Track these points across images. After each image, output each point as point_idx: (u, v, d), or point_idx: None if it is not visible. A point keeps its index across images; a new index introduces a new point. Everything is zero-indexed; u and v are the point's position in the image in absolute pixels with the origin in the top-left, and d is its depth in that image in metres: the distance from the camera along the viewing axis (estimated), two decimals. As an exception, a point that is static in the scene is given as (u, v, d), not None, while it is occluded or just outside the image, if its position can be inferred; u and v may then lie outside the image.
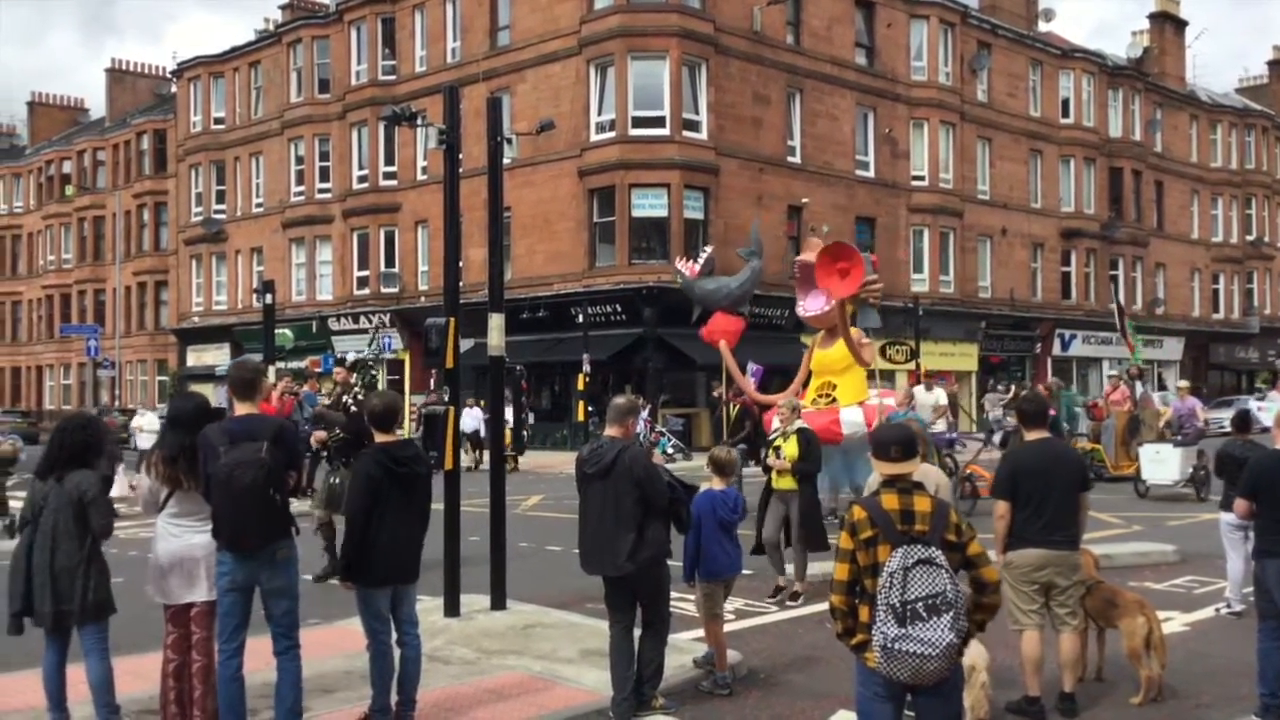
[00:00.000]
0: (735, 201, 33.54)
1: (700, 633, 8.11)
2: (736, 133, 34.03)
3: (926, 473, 6.87)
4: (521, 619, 9.43)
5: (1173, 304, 51.73)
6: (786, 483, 10.37)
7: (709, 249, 17.68)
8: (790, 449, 10.38)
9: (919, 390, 18.98)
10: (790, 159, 35.89)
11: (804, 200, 35.82)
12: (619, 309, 31.77)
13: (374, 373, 12.11)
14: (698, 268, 16.82)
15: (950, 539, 4.60)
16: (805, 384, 16.10)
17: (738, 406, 19.39)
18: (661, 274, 31.46)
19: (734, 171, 33.79)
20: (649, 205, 32.43)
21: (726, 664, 7.72)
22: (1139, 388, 22.47)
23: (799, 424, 10.56)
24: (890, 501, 4.64)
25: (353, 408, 11.86)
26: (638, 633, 7.03)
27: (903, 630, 4.34)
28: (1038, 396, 8.23)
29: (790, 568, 10.71)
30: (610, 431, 7.00)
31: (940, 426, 18.77)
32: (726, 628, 8.11)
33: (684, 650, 8.07)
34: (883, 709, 4.61)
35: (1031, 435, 7.24)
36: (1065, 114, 45.96)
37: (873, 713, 4.66)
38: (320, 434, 12.39)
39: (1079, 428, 22.04)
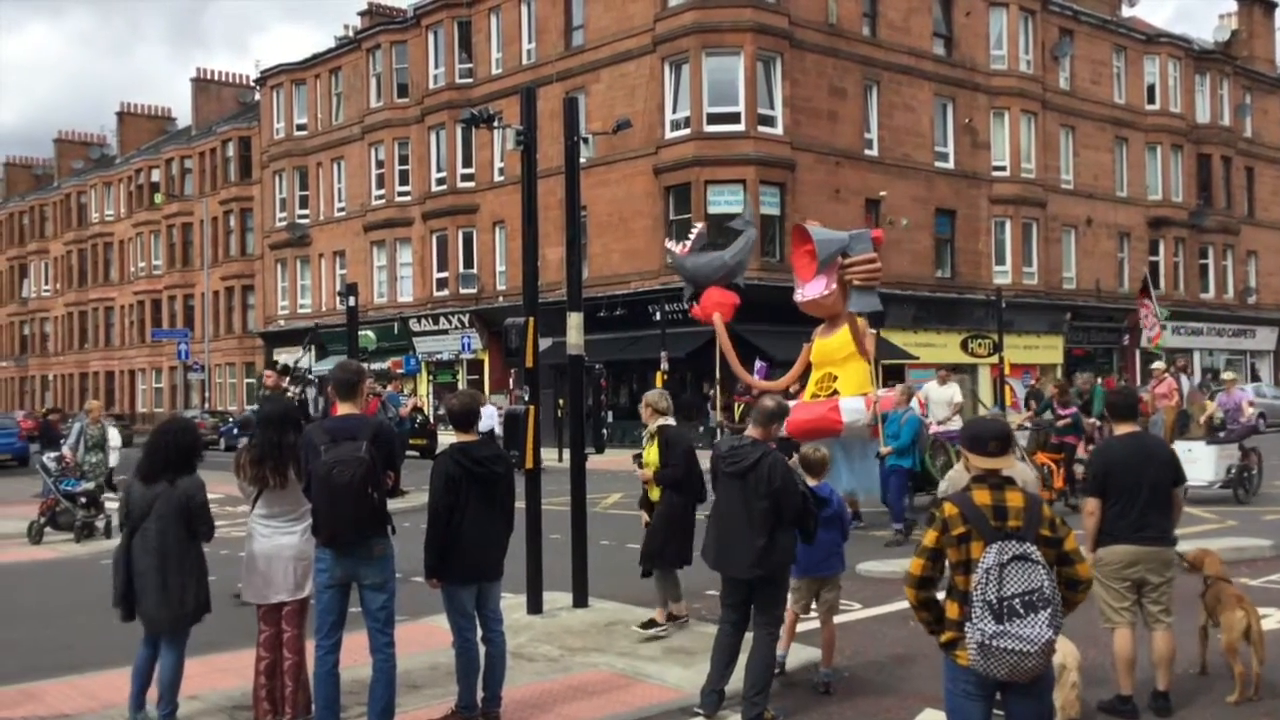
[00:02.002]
0: (812, 196, 33.31)
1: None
2: (812, 127, 33.80)
3: (1014, 469, 6.76)
4: (603, 616, 9.47)
5: (1265, 293, 50.31)
6: (656, 494, 8.84)
7: (699, 226, 16.46)
8: (650, 454, 8.88)
9: (932, 385, 17.90)
10: (867, 152, 35.57)
11: (882, 193, 35.57)
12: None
13: (310, 379, 10.95)
14: (689, 246, 15.60)
15: (1045, 534, 4.55)
16: (805, 376, 15.16)
17: (742, 405, 18.13)
18: (739, 270, 31.35)
19: (810, 166, 33.57)
20: (725, 202, 32.34)
21: (788, 646, 7.75)
22: (1185, 381, 21.02)
23: (661, 421, 8.87)
24: (982, 497, 4.60)
25: None
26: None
27: (1001, 627, 4.30)
28: (1128, 390, 8.05)
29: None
30: (752, 432, 6.97)
31: (957, 423, 17.41)
32: (805, 626, 8.11)
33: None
34: (973, 707, 4.57)
35: (1122, 429, 7.09)
36: (1151, 100, 44.95)
37: (963, 710, 4.61)
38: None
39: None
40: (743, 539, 6.65)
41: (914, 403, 15.13)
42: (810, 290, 14.32)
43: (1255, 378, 47.29)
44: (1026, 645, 4.28)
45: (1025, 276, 39.78)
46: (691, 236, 15.72)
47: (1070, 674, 6.34)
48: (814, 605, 7.79)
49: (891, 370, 35.86)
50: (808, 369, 15.09)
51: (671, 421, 8.94)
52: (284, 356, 13.68)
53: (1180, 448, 17.51)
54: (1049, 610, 4.32)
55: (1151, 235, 44.99)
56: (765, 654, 6.76)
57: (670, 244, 16.28)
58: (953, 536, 4.57)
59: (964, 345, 37.73)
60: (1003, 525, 4.50)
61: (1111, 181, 43.67)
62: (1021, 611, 4.29)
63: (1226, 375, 20.43)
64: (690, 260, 15.41)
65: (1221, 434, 17.70)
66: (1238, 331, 48.50)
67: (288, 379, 11.36)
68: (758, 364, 20.30)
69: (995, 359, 33.50)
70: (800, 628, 8.05)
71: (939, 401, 17.36)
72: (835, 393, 14.02)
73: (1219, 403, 18.43)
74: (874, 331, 14.61)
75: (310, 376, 11.61)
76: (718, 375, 17.52)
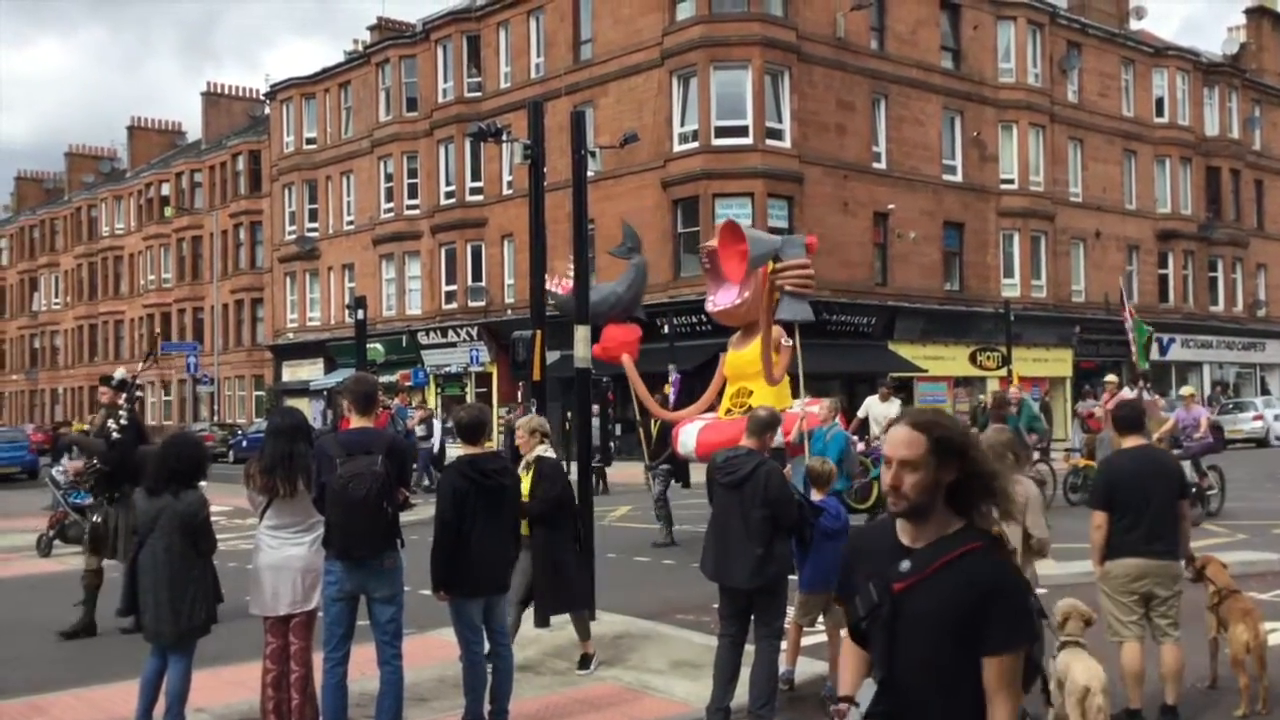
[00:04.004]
0: (820, 209, 33.33)
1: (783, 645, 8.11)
2: (820, 140, 33.83)
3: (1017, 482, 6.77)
4: (611, 629, 9.45)
5: (1275, 306, 50.12)
6: (526, 529, 7.93)
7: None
8: (525, 485, 7.87)
9: (872, 401, 17.35)
10: (875, 165, 35.57)
11: (890, 206, 35.56)
12: (704, 319, 31.61)
13: (139, 393, 10.04)
14: (569, 282, 13.78)
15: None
16: (721, 393, 14.19)
17: (658, 424, 16.72)
18: (747, 283, 31.35)
19: (818, 179, 33.59)
20: (733, 215, 32.19)
21: (795, 660, 7.78)
22: (1145, 395, 20.14)
23: (539, 450, 8.00)
24: None
25: (115, 434, 10.13)
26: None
27: None
28: (1134, 403, 8.05)
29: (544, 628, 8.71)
30: (746, 442, 7.01)
31: None
32: (812, 640, 8.10)
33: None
34: None
35: (1128, 442, 7.08)
36: (1159, 113, 44.90)
37: None
38: (76, 464, 10.66)
39: (1043, 437, 19.65)
40: (740, 549, 6.67)
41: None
42: (722, 299, 13.46)
43: (1265, 391, 47.13)
44: None
45: (1034, 289, 39.72)
46: (571, 270, 13.98)
47: (1095, 697, 6.19)
48: (822, 619, 7.80)
49: (901, 384, 35.83)
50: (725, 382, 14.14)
51: (550, 453, 8.06)
52: (120, 371, 12.56)
53: None
54: None
55: (1160, 248, 44.91)
56: (768, 664, 6.77)
57: (551, 284, 14.53)
58: None
59: (972, 358, 37.66)
60: None
61: (1120, 194, 43.62)
62: None
63: (1185, 390, 19.63)
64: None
65: (1177, 451, 16.57)
66: (1247, 345, 48.34)
67: (124, 395, 10.59)
68: (672, 375, 19.39)
69: (1004, 372, 33.42)
70: (806, 641, 8.05)
71: (877, 418, 16.87)
72: (750, 409, 13.18)
73: (1176, 418, 17.61)
74: (790, 344, 13.57)
75: (139, 394, 10.81)
76: (636, 409, 15.90)
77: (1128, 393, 19.17)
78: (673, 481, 16.09)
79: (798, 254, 13.06)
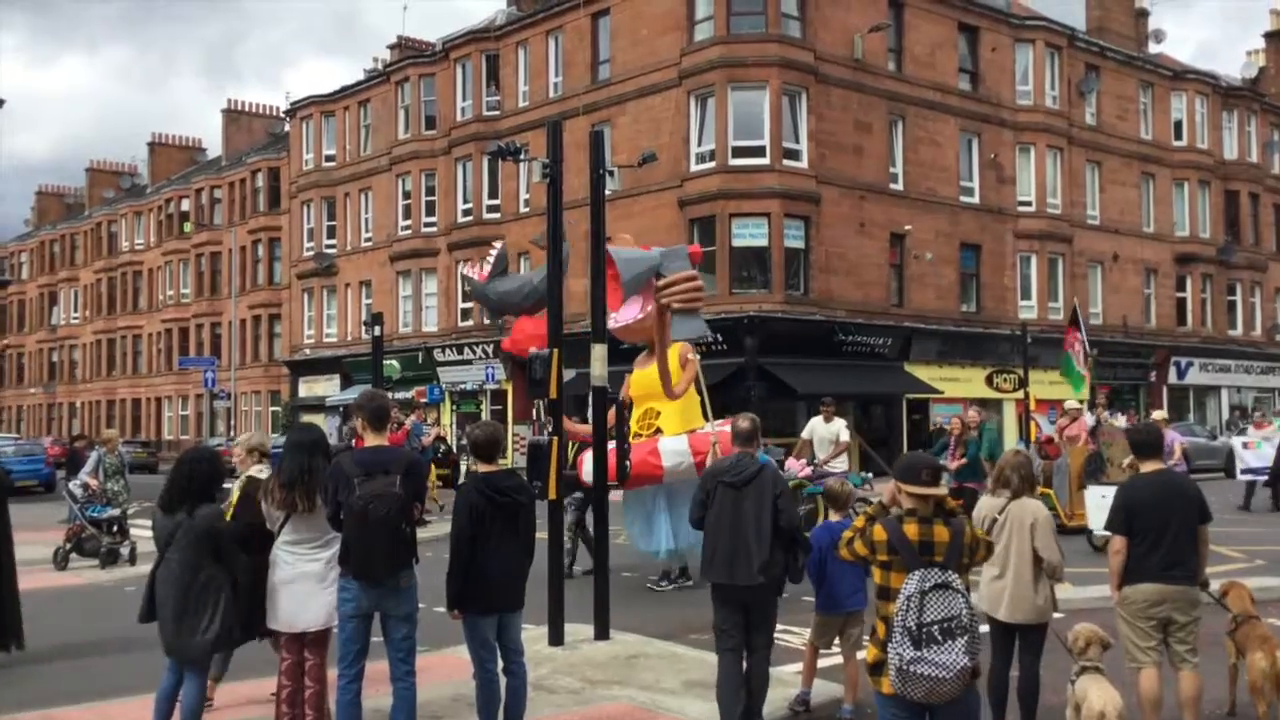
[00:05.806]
0: (836, 229, 33.33)
1: (799, 666, 8.08)
2: (837, 161, 33.85)
3: (1025, 506, 6.77)
4: (625, 649, 9.44)
5: (1295, 330, 49.92)
6: None
7: (499, 244, 14.23)
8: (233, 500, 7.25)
9: (816, 422, 16.50)
10: (892, 186, 35.57)
11: (907, 228, 35.54)
12: (720, 338, 31.69)
13: None
14: (487, 270, 13.42)
15: (964, 562, 4.90)
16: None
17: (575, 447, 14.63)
18: (763, 303, 31.38)
19: (835, 199, 33.60)
20: (749, 235, 32.40)
21: (810, 682, 7.79)
22: (1108, 418, 19.28)
23: (253, 471, 7.24)
24: (911, 530, 4.85)
25: None
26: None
27: (918, 653, 4.51)
28: (1151, 427, 8.00)
29: None
30: (744, 449, 7.18)
31: (841, 464, 16.05)
32: (827, 662, 8.07)
33: (787, 683, 8.01)
34: None
35: (1147, 467, 7.04)
36: (1178, 136, 44.81)
37: None
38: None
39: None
40: (746, 548, 6.72)
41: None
42: (624, 314, 12.82)
43: (1284, 416, 46.86)
44: (942, 671, 4.50)
45: (1051, 312, 39.56)
46: (490, 258, 13.72)
47: None
48: (837, 641, 7.78)
49: (916, 405, 35.77)
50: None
51: (264, 474, 7.00)
52: None
53: (1095, 493, 15.05)
54: (966, 638, 4.54)
55: (1178, 271, 44.77)
56: (765, 673, 6.96)
57: (467, 269, 14.16)
58: (878, 559, 4.87)
59: (989, 380, 37.56)
60: (929, 558, 4.76)
61: (1138, 217, 43.50)
62: (939, 638, 4.51)
63: (1157, 414, 18.97)
64: (494, 287, 13.33)
65: None
66: (1265, 369, 48.09)
67: None
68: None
69: (1020, 394, 33.31)
70: (822, 663, 8.02)
71: (822, 439, 16.10)
72: (658, 431, 12.50)
73: None
74: (695, 357, 13.11)
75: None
76: (542, 414, 14.26)
77: (1088, 418, 18.77)
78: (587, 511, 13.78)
79: (681, 266, 12.63)
